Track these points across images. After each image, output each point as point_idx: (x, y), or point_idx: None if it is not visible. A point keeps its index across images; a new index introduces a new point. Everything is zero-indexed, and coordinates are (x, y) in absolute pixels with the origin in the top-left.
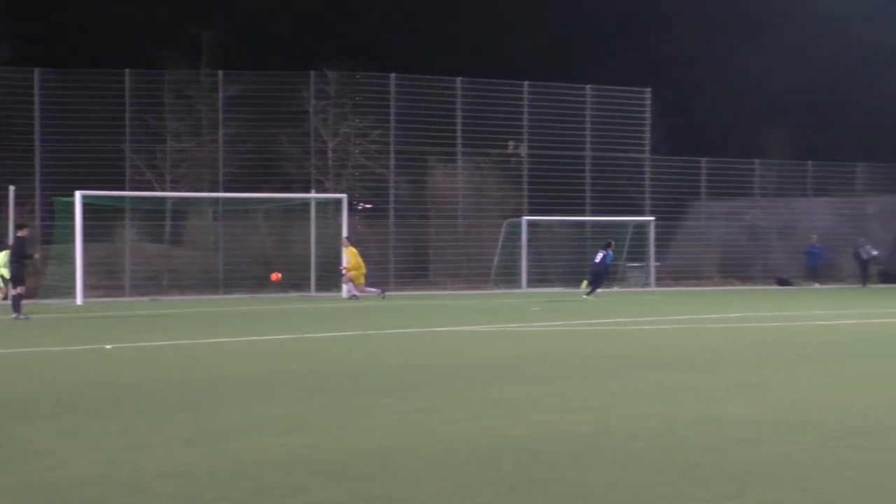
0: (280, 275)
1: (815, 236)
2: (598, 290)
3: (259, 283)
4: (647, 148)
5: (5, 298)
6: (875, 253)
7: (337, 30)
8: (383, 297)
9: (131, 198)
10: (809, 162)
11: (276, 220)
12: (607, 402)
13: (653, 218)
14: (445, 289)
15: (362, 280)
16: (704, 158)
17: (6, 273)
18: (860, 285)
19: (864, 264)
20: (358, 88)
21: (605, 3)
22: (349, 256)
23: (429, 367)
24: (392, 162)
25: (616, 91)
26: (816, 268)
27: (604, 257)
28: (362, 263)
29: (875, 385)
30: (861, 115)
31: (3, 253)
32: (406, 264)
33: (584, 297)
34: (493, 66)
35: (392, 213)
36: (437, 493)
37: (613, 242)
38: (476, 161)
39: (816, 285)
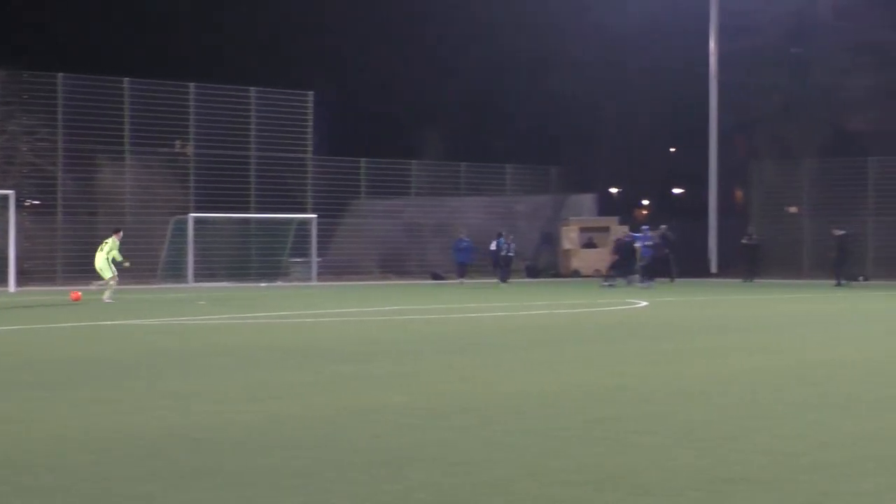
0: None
1: (464, 230)
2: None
3: None
4: (310, 148)
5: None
6: (504, 254)
7: (2, 27)
8: None
9: None
10: (462, 163)
11: None
12: (273, 392)
13: (315, 215)
14: None
15: None
16: (364, 159)
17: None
18: (497, 280)
19: (497, 259)
20: (24, 87)
21: (267, 6)
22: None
23: (99, 359)
24: (60, 159)
25: (280, 93)
26: (466, 263)
27: (497, 246)
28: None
29: (525, 372)
30: (510, 120)
31: (112, 241)
32: (74, 260)
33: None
34: (161, 66)
35: (60, 209)
36: (106, 484)
37: (504, 232)
38: (144, 159)
39: (464, 281)
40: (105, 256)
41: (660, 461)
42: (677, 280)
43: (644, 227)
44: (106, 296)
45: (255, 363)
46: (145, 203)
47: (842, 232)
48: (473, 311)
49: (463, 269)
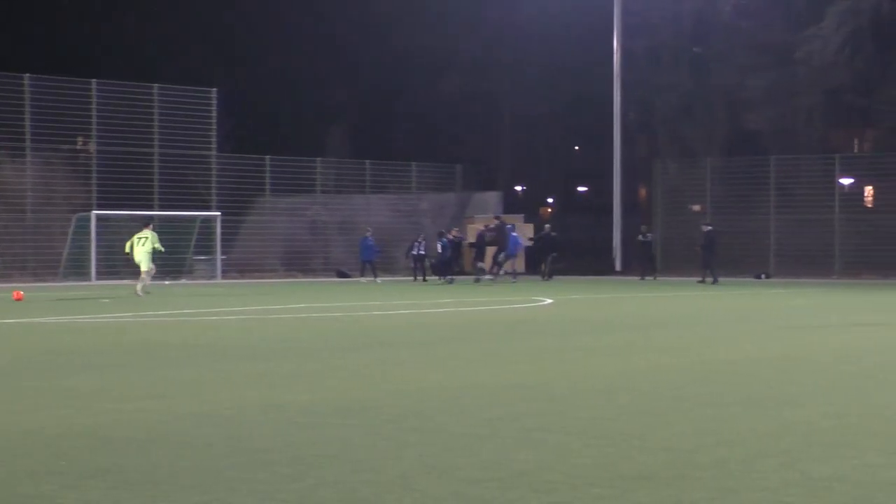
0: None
1: (370, 230)
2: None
3: None
4: (214, 145)
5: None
6: (417, 252)
7: None
8: None
9: None
10: (367, 161)
11: None
12: (175, 389)
13: (219, 213)
14: (14, 281)
15: None
16: (269, 156)
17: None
18: (413, 279)
19: (417, 259)
20: None
21: (170, 3)
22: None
23: None
24: None
25: (183, 90)
26: (372, 261)
27: (443, 247)
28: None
29: (429, 370)
30: (414, 118)
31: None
32: None
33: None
34: (62, 63)
35: None
36: (5, 483)
37: (445, 230)
38: (45, 156)
39: (378, 280)
40: (147, 250)
41: (562, 458)
42: (552, 279)
43: (508, 225)
44: (139, 288)
45: (158, 361)
46: (47, 200)
47: (709, 228)
48: (379, 308)
49: (369, 267)
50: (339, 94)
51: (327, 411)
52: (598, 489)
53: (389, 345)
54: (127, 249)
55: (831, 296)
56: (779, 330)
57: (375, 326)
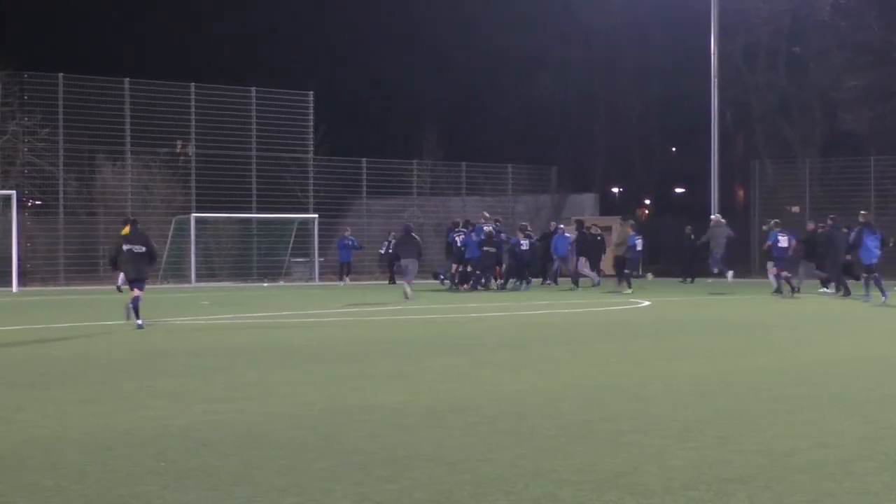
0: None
1: (349, 229)
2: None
3: None
4: (311, 148)
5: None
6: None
7: (2, 27)
8: None
9: None
10: (463, 163)
11: None
12: (270, 391)
13: (316, 215)
14: (113, 283)
15: None
16: (365, 159)
17: None
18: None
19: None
20: (25, 87)
21: (268, 7)
22: None
23: (94, 359)
24: (61, 160)
25: (280, 94)
26: (349, 262)
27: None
28: None
29: (524, 371)
30: (508, 120)
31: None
32: (76, 259)
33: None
34: (161, 67)
35: (62, 209)
36: (104, 483)
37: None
38: (145, 160)
39: (342, 283)
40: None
41: (658, 461)
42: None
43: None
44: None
45: (256, 362)
46: (146, 203)
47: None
48: (475, 311)
49: (346, 268)
50: (433, 96)
51: (422, 412)
52: (695, 492)
53: (484, 346)
54: None
55: None
56: (876, 331)
57: (471, 328)
